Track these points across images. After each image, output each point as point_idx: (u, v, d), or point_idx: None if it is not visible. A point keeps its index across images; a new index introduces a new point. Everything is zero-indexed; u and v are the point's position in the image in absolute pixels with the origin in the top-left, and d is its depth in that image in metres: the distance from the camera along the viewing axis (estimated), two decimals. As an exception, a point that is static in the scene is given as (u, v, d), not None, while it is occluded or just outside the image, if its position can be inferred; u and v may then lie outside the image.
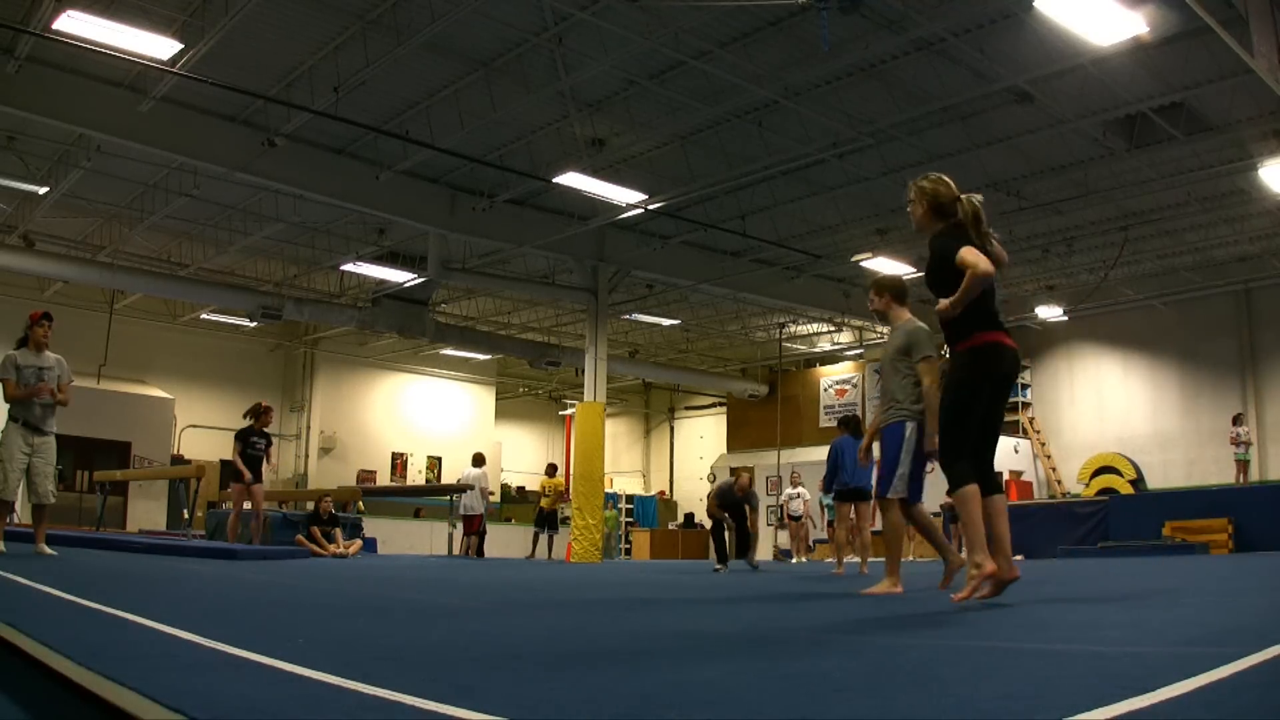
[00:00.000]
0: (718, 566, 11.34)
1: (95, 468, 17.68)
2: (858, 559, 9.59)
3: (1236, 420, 15.39)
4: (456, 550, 15.39)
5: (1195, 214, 15.21)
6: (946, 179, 4.05)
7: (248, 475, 10.65)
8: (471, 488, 15.31)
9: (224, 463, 20.51)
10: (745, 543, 12.05)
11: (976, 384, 3.83)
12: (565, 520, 17.45)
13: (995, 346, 3.83)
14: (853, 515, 9.46)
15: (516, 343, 21.35)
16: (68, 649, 1.93)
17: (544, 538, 16.24)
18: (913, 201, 4.07)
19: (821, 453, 24.51)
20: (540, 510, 16.49)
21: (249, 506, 10.85)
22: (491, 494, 17.46)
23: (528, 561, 15.14)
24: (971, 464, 3.84)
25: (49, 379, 6.92)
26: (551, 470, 17.37)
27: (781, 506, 18.14)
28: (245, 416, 11.08)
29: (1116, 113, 11.89)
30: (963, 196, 3.98)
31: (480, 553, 15.25)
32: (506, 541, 20.15)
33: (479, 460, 15.61)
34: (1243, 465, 15.23)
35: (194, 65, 10.32)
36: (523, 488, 26.89)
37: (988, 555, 3.72)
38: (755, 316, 22.25)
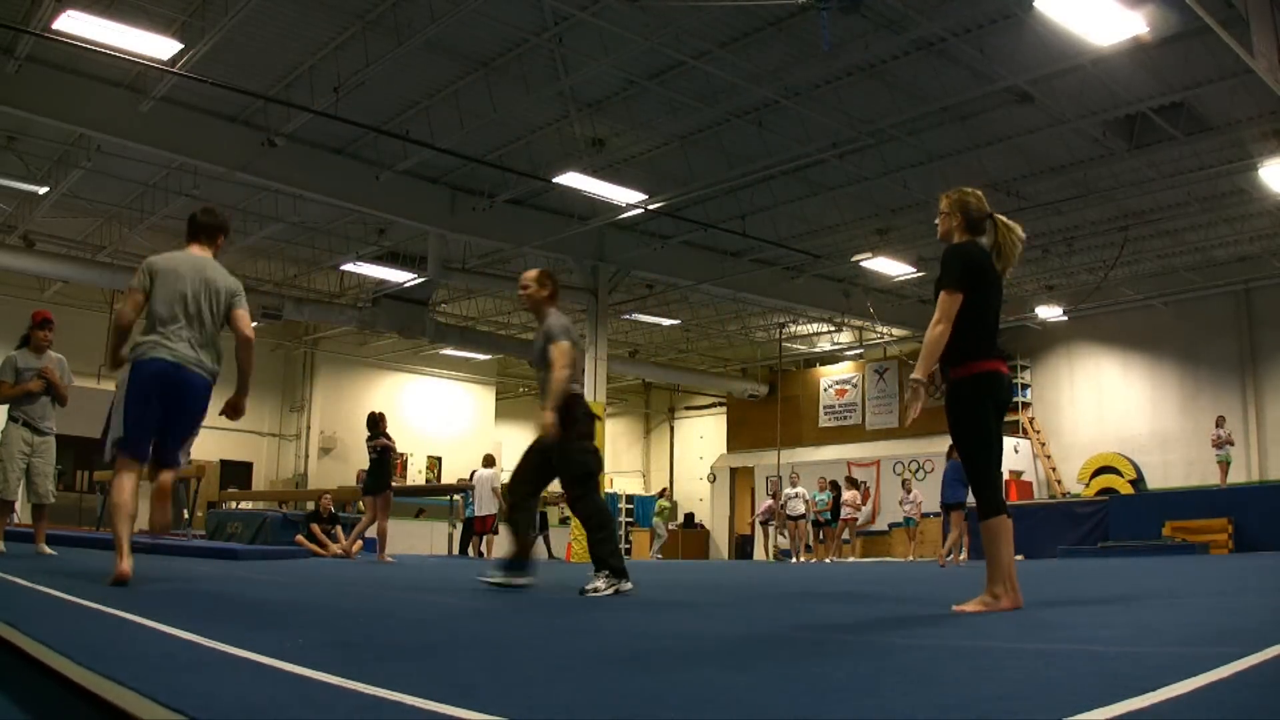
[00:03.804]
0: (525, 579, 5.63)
1: (95, 468, 17.67)
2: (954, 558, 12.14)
3: (1219, 423, 15.36)
4: (471, 552, 15.43)
5: (1195, 214, 15.20)
6: (980, 194, 4.03)
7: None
8: (472, 488, 15.38)
9: (224, 463, 20.57)
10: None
11: (986, 411, 3.86)
12: (565, 520, 17.54)
13: (993, 375, 3.86)
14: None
15: (516, 343, 21.33)
16: (68, 649, 1.93)
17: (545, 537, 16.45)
18: (944, 214, 4.02)
19: (822, 453, 24.66)
20: (542, 513, 16.75)
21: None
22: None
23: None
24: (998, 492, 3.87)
25: (49, 380, 6.94)
26: None
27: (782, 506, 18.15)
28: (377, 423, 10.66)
29: (1116, 113, 11.89)
30: (1000, 219, 3.97)
31: (481, 552, 15.27)
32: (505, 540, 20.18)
33: (490, 461, 15.68)
34: (1224, 466, 15.21)
35: (194, 65, 10.32)
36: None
37: (1009, 589, 3.71)
38: (755, 316, 22.24)
